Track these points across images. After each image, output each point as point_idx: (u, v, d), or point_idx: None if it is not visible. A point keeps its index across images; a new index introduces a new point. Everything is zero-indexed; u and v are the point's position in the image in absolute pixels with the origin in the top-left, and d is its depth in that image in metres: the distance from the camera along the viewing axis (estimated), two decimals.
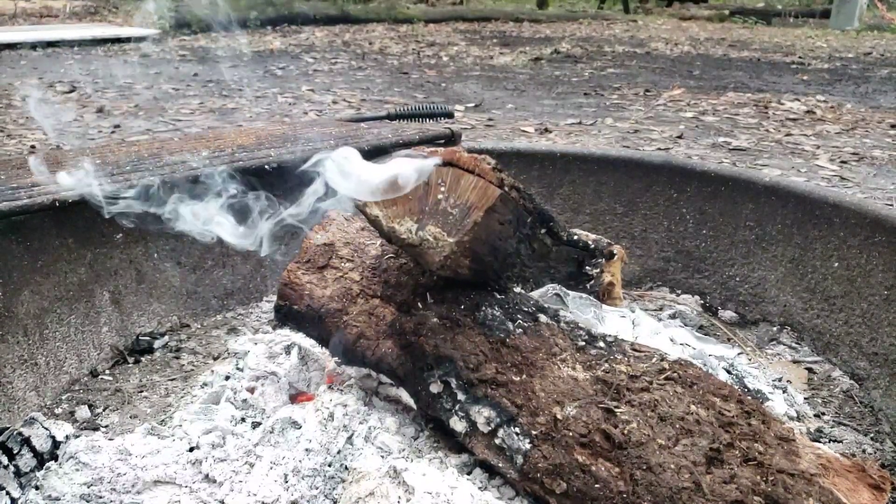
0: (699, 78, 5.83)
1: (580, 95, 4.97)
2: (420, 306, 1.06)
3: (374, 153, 1.73)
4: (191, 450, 1.08)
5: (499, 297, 1.06)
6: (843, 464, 0.89)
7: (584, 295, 1.42)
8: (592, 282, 1.52)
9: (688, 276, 1.88)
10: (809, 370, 1.52)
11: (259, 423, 1.16)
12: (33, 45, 6.74)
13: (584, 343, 1.02)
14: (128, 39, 7.41)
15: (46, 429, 1.11)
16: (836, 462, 0.89)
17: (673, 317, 1.68)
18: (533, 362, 0.98)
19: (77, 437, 1.12)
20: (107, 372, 1.48)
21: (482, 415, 0.97)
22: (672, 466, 0.86)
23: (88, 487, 1.01)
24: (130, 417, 1.34)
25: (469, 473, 1.01)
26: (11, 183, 1.37)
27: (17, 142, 3.30)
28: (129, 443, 1.08)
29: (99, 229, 1.53)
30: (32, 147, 3.18)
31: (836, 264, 1.58)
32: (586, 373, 0.97)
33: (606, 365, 0.97)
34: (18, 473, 1.04)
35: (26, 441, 1.08)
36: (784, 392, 1.37)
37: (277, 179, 1.42)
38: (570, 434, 0.90)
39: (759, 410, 0.93)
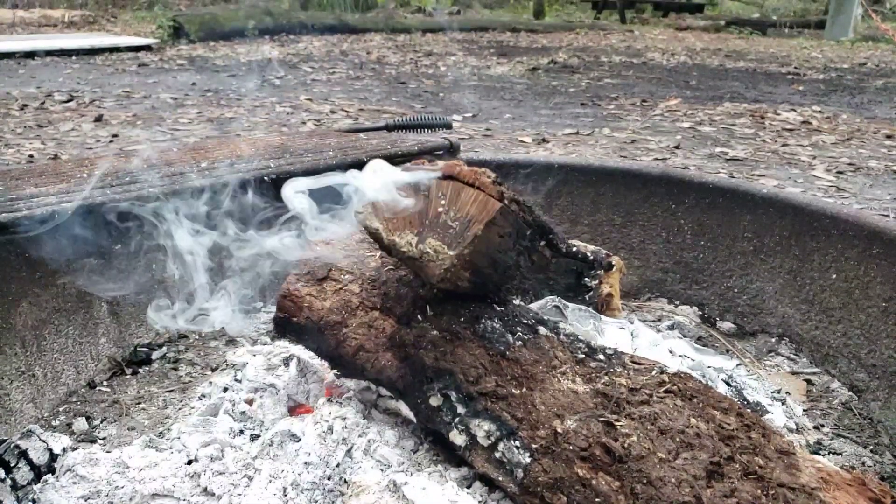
0: (695, 88, 5.85)
1: (577, 105, 4.99)
2: (420, 319, 1.06)
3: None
4: (189, 463, 1.07)
5: (498, 309, 1.06)
6: (843, 477, 0.89)
7: (584, 307, 1.42)
8: (591, 293, 1.53)
9: (686, 287, 1.88)
10: (808, 382, 1.52)
11: (258, 436, 1.16)
12: (31, 54, 6.76)
13: (583, 355, 1.02)
14: (126, 49, 7.43)
15: (44, 441, 1.10)
16: (837, 475, 0.89)
17: (671, 328, 1.69)
18: (533, 375, 0.98)
19: (74, 449, 1.11)
20: (104, 383, 1.48)
21: (482, 428, 0.97)
22: (672, 480, 0.85)
23: (86, 501, 1.00)
24: (128, 429, 1.33)
25: (469, 487, 1.01)
26: (10, 194, 1.37)
27: (14, 151, 3.30)
28: (126, 455, 1.08)
29: (97, 240, 1.53)
30: (31, 157, 3.18)
31: (835, 276, 1.58)
32: (586, 386, 0.96)
33: (606, 378, 0.97)
34: (15, 487, 1.04)
35: (23, 454, 1.07)
36: (783, 404, 1.37)
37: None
38: (571, 448, 0.90)
39: (759, 423, 0.93)
